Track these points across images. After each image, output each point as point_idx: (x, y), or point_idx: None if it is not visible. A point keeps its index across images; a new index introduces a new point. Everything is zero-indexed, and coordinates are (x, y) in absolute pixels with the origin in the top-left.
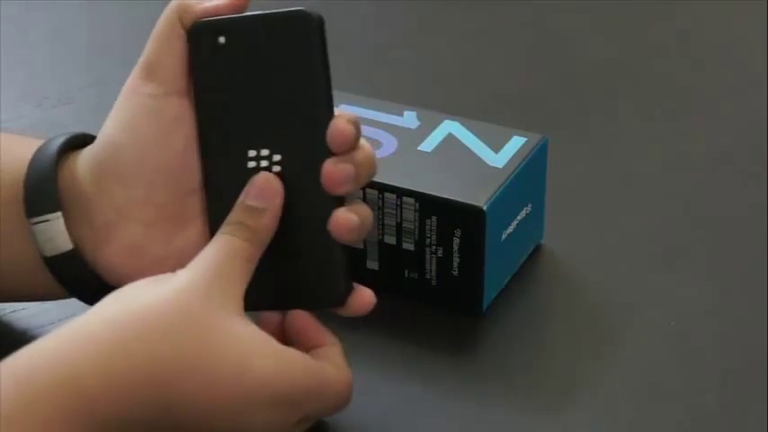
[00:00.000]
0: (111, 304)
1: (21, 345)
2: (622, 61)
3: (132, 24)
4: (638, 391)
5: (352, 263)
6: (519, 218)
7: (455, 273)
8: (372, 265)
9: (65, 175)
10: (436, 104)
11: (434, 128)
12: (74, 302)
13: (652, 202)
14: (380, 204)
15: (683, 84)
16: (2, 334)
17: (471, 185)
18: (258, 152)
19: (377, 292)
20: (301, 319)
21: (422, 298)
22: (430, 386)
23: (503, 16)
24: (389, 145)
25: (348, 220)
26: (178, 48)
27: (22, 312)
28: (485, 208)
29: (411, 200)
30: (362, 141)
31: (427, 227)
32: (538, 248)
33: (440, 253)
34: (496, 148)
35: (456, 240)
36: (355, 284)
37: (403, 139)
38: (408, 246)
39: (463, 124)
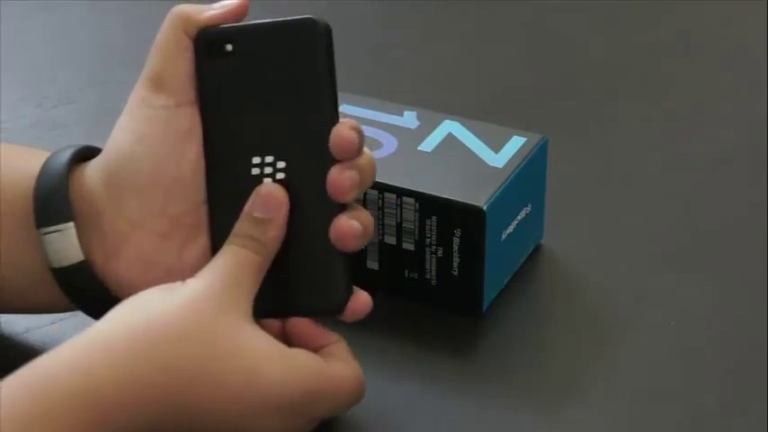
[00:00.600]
0: (126, 313)
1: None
2: (622, 61)
3: (132, 24)
4: (638, 391)
5: (353, 266)
6: (519, 218)
7: (455, 273)
8: (372, 265)
9: (75, 187)
10: (436, 104)
11: (434, 128)
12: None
13: (652, 202)
14: (380, 204)
15: (683, 84)
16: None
17: (471, 185)
18: (263, 159)
19: (377, 292)
20: (300, 323)
21: (422, 298)
22: (430, 386)
23: (503, 16)
24: (389, 145)
25: (351, 227)
26: (185, 58)
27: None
28: (485, 208)
29: (411, 200)
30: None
31: (427, 227)
32: (538, 248)
33: (440, 253)
34: (496, 148)
35: (456, 240)
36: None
37: (403, 139)
38: (408, 246)
39: (463, 124)
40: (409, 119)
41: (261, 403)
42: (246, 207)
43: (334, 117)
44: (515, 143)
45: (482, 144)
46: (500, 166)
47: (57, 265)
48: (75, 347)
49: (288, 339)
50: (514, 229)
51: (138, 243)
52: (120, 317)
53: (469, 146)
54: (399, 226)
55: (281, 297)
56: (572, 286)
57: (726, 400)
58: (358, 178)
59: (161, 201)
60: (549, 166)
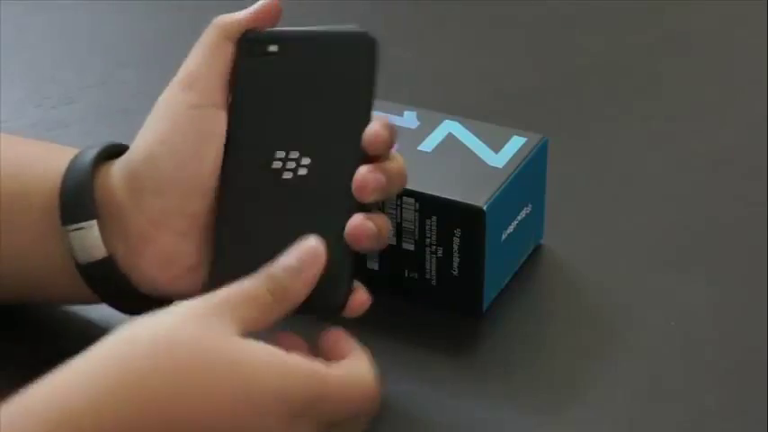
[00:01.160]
0: (107, 342)
1: None
2: (622, 61)
3: (132, 24)
4: (638, 391)
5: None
6: (519, 218)
7: (455, 273)
8: (372, 265)
9: (100, 185)
10: (436, 104)
11: (434, 128)
12: None
13: (652, 202)
14: (380, 204)
15: (683, 84)
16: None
17: (471, 185)
18: (287, 153)
19: (377, 292)
20: (333, 334)
21: (422, 298)
22: (430, 386)
23: (503, 16)
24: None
25: (365, 226)
26: (221, 61)
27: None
28: (485, 208)
29: (411, 200)
30: (396, 153)
31: (427, 227)
32: (538, 248)
33: (440, 253)
34: (496, 148)
35: (456, 240)
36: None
37: (403, 139)
38: (408, 246)
39: (463, 124)
40: (409, 119)
41: (257, 415)
42: (286, 253)
43: (368, 121)
44: (515, 143)
45: (482, 144)
46: (500, 167)
47: (82, 261)
48: (53, 379)
49: (320, 351)
50: (514, 229)
51: (159, 242)
52: (102, 346)
53: (469, 146)
54: (399, 226)
55: None
56: (572, 286)
57: (726, 400)
58: (384, 181)
59: (181, 200)
60: (549, 166)
